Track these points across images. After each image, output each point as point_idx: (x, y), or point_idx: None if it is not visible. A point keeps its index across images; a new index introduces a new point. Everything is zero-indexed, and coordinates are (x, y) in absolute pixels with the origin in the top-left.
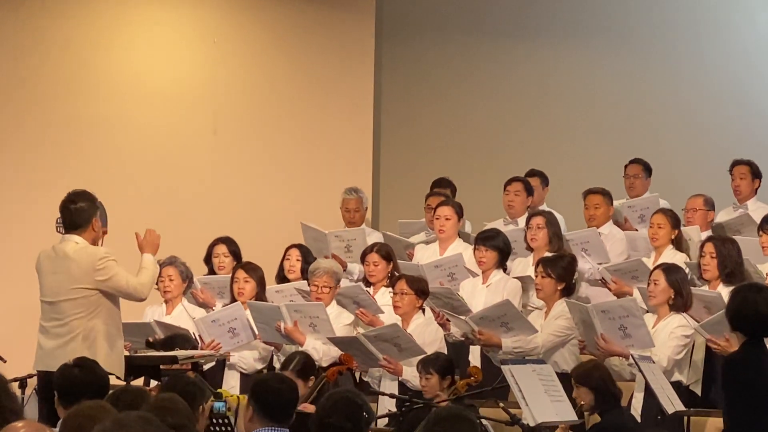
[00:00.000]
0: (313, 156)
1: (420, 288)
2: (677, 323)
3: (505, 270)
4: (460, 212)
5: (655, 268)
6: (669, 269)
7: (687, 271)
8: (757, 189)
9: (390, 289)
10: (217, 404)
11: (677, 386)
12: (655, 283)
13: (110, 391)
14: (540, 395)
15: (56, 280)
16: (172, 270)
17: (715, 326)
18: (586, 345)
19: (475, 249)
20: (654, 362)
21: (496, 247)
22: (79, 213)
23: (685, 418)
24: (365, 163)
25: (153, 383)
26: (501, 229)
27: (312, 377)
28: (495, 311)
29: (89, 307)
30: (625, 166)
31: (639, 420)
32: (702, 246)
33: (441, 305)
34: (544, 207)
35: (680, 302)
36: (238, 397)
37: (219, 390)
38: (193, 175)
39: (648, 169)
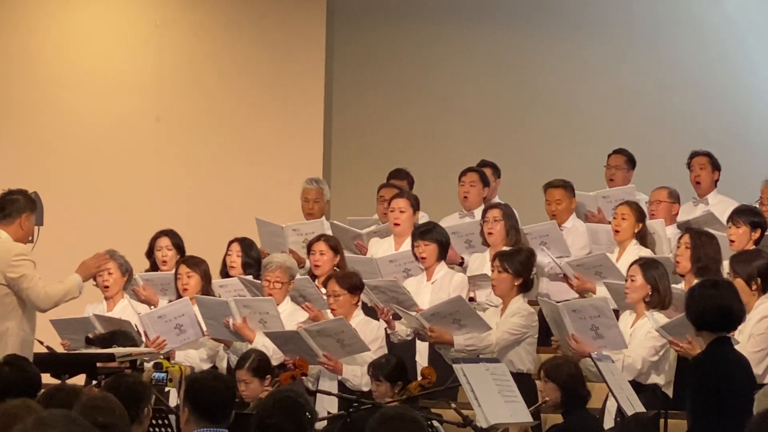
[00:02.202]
0: (261, 146)
1: (352, 284)
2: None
3: (461, 263)
4: (416, 205)
5: (633, 264)
6: (647, 264)
7: None
8: (716, 181)
9: None
10: (158, 375)
11: (653, 388)
12: (632, 279)
13: (43, 390)
14: (493, 396)
15: None
16: (110, 264)
17: (677, 328)
18: (560, 345)
19: (413, 246)
20: (613, 362)
21: (435, 240)
22: (10, 202)
23: (662, 420)
24: (315, 154)
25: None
26: (457, 222)
27: (269, 376)
28: (447, 307)
29: (4, 309)
30: (608, 156)
31: (612, 422)
32: (679, 238)
33: (386, 300)
34: (497, 199)
35: (657, 299)
36: (180, 367)
37: (159, 360)
38: (135, 164)
39: (631, 161)
